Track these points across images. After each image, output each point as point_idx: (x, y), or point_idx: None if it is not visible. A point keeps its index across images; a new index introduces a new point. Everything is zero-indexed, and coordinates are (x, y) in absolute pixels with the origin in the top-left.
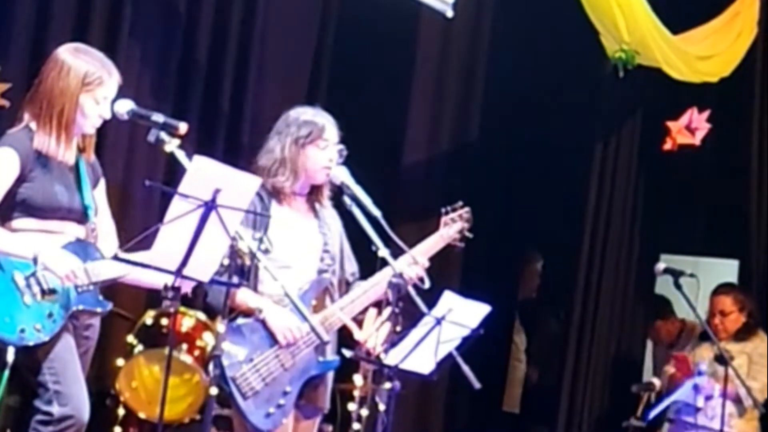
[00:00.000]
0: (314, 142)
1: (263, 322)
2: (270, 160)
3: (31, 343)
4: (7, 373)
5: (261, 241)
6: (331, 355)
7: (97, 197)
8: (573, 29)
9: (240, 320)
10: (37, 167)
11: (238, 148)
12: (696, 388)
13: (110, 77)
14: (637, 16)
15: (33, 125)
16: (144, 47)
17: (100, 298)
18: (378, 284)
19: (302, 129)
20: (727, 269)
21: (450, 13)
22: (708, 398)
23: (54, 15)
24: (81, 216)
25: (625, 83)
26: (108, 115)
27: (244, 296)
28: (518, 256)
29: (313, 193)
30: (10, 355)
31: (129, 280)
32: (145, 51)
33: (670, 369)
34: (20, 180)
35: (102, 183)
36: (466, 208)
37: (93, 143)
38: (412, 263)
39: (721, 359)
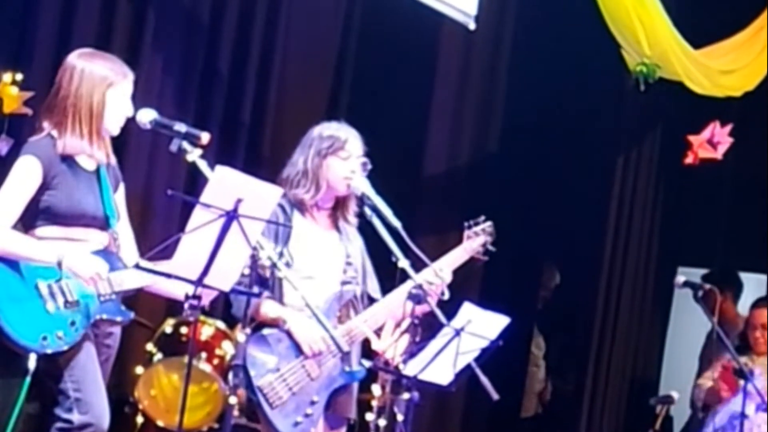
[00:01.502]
0: (336, 153)
1: (288, 333)
2: (293, 172)
3: (52, 351)
4: (28, 380)
5: (281, 255)
6: (356, 366)
7: (117, 202)
8: (594, 43)
9: (265, 330)
10: (60, 174)
11: (259, 159)
12: (745, 394)
13: (125, 77)
14: (658, 30)
15: (55, 133)
16: (166, 57)
17: (122, 307)
18: (401, 296)
19: (325, 141)
20: (750, 283)
21: (472, 26)
22: (759, 408)
23: (77, 24)
24: (104, 223)
25: (647, 96)
26: (131, 113)
27: (267, 308)
28: (538, 268)
29: (337, 208)
30: (32, 363)
31: (149, 289)
32: (168, 61)
33: (707, 382)
34: (43, 187)
35: (122, 188)
36: (489, 222)
37: (110, 146)
38: (435, 276)
39: (741, 373)
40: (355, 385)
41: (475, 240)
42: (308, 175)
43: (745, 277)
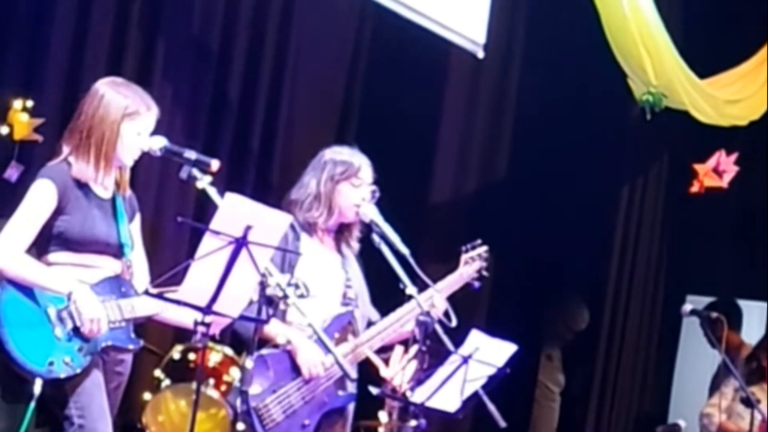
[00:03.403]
0: (349, 180)
1: (288, 354)
2: (304, 194)
3: (59, 376)
4: (33, 405)
5: (297, 286)
6: (350, 388)
7: (132, 232)
8: (601, 71)
9: (265, 350)
10: (75, 199)
11: (268, 189)
12: None
13: (149, 111)
14: (665, 60)
15: (71, 159)
16: (176, 86)
17: (132, 335)
18: (401, 318)
19: (338, 166)
20: (756, 311)
21: (481, 54)
22: None
23: (87, 53)
24: (117, 251)
25: (653, 125)
26: (146, 148)
27: (272, 327)
28: (543, 295)
29: (341, 232)
30: (37, 388)
31: (158, 318)
32: (177, 90)
33: (715, 411)
34: (57, 212)
35: (138, 218)
36: (485, 247)
37: (128, 178)
38: (431, 305)
39: (748, 402)
40: (351, 409)
41: (472, 265)
42: (321, 199)
43: (753, 305)
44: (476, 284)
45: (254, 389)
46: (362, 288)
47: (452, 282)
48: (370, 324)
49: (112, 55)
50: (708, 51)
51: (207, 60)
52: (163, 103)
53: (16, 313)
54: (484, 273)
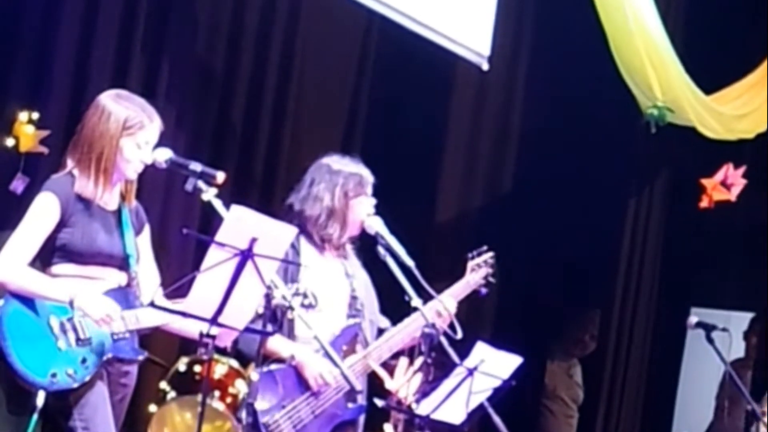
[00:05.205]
0: (360, 195)
1: (296, 369)
2: (318, 210)
3: (62, 388)
4: (35, 417)
5: (305, 295)
6: (360, 400)
7: (141, 244)
8: (607, 84)
9: (273, 366)
10: (78, 212)
11: (272, 202)
12: None
13: (151, 123)
14: (671, 76)
15: (75, 171)
16: (181, 100)
17: (137, 346)
18: (406, 329)
19: (350, 180)
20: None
21: (485, 66)
22: None
23: (93, 66)
24: (122, 263)
25: (660, 137)
26: (149, 161)
27: (276, 343)
28: (550, 308)
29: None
30: (40, 400)
31: (165, 328)
32: (181, 111)
33: None
34: (60, 225)
35: (147, 229)
36: (491, 254)
37: (134, 189)
38: (441, 310)
39: (754, 416)
40: (361, 421)
41: (478, 272)
42: (336, 215)
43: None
44: (483, 291)
45: (263, 405)
46: (369, 296)
47: (459, 289)
48: (380, 332)
49: (116, 73)
50: (711, 64)
51: (211, 76)
52: (166, 125)
53: (19, 326)
54: (491, 279)
